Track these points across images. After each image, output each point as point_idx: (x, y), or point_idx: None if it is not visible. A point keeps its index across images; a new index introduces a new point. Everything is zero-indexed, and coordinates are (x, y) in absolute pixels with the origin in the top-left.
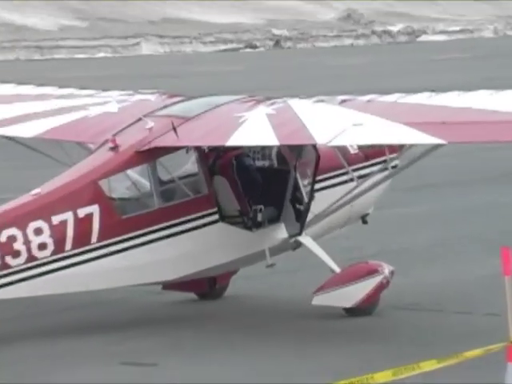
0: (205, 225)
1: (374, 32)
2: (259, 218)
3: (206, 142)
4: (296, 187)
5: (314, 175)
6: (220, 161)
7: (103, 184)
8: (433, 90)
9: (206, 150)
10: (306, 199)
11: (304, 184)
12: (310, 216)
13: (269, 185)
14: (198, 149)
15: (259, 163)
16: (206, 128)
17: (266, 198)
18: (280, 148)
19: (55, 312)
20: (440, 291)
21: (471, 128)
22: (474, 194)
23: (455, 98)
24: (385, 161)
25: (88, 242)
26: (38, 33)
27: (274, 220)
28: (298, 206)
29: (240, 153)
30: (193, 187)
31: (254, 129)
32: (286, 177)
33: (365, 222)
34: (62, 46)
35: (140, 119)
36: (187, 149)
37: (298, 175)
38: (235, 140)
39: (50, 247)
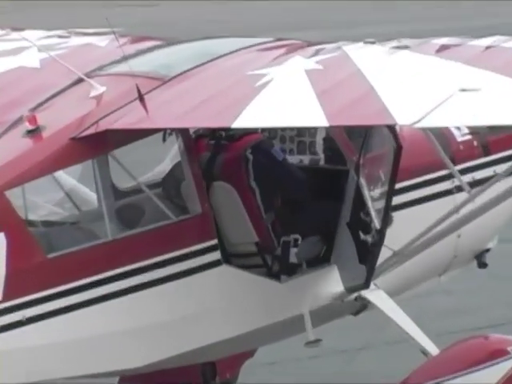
0: (196, 270)
1: None
2: (293, 257)
3: (198, 121)
4: (359, 202)
5: (392, 181)
6: (223, 155)
7: (13, 196)
8: None
9: (197, 136)
10: (376, 223)
11: (373, 196)
12: (384, 253)
13: (310, 198)
14: (183, 134)
15: (293, 159)
16: (197, 97)
17: (306, 220)
18: (330, 132)
19: None
20: None
21: None
22: None
23: None
24: None
25: None
26: None
27: (320, 261)
28: (362, 235)
29: (259, 140)
30: (174, 202)
31: (284, 98)
32: (340, 184)
33: (482, 264)
34: None
35: (80, 81)
36: (164, 134)
37: (362, 181)
38: (249, 118)
39: None
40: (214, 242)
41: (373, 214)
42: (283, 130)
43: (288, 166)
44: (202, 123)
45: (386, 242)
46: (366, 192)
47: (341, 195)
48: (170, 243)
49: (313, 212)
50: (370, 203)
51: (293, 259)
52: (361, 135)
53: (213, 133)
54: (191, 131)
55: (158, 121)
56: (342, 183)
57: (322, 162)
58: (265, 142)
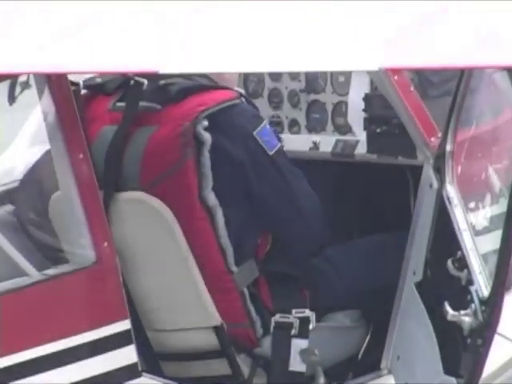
0: None
1: None
2: (297, 360)
3: (90, 62)
4: (444, 238)
5: None
6: (147, 133)
7: None
8: None
9: (88, 90)
10: (481, 284)
11: (476, 226)
12: (497, 350)
13: (334, 230)
14: (55, 88)
15: (299, 143)
16: None
17: (327, 280)
18: (380, 85)
19: None
20: None
21: None
22: None
23: None
24: None
25: None
26: None
27: (357, 367)
28: (450, 310)
29: (226, 103)
30: (36, 239)
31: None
32: (403, 198)
33: None
34: None
35: None
36: (12, 87)
37: (450, 191)
38: (199, 52)
39: None
40: (125, 325)
41: (474, 264)
42: (275, 78)
43: (285, 165)
44: (99, 66)
45: (503, 327)
46: (459, 216)
47: (403, 223)
48: (27, 329)
49: (341, 260)
50: (468, 240)
51: (296, 365)
52: (448, 91)
53: (124, 84)
54: (74, 79)
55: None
56: (407, 196)
57: (360, 150)
58: (238, 106)
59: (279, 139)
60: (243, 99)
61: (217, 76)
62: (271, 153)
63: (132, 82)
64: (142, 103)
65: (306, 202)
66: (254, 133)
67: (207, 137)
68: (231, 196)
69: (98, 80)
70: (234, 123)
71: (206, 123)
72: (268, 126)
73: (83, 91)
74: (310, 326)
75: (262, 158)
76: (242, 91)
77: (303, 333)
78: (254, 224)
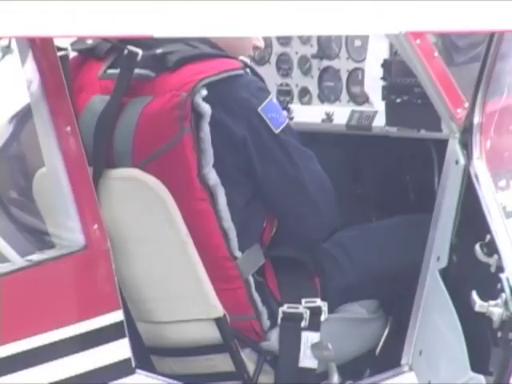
0: None
1: None
2: (307, 354)
3: (77, 26)
4: (471, 220)
5: None
6: (142, 103)
7: None
8: None
9: (78, 54)
10: None
11: (508, 208)
12: None
13: (348, 211)
14: (39, 51)
15: (309, 114)
16: None
17: (340, 266)
18: (401, 50)
19: None
20: None
21: None
22: None
23: None
24: None
25: None
26: None
27: (373, 363)
28: (477, 300)
29: (229, 72)
30: (14, 219)
31: None
32: (423, 175)
33: None
34: None
35: None
36: None
37: (479, 168)
38: (200, 15)
39: None
40: (117, 317)
41: (505, 249)
42: (284, 42)
43: (293, 145)
44: (90, 30)
45: None
46: (488, 196)
47: (425, 203)
48: (8, 321)
49: (355, 245)
50: (498, 223)
51: (307, 361)
52: (476, 57)
53: (115, 47)
54: (59, 44)
55: None
56: (430, 174)
57: (378, 122)
58: (241, 77)
59: (288, 111)
60: (248, 70)
61: (224, 43)
62: (277, 131)
63: (126, 52)
64: (135, 70)
65: (314, 186)
66: (259, 108)
67: (206, 108)
68: (233, 176)
69: (89, 42)
70: (236, 96)
71: (204, 92)
72: (274, 101)
73: (72, 54)
74: (322, 318)
75: (266, 136)
76: (247, 61)
77: (314, 325)
78: (258, 206)
